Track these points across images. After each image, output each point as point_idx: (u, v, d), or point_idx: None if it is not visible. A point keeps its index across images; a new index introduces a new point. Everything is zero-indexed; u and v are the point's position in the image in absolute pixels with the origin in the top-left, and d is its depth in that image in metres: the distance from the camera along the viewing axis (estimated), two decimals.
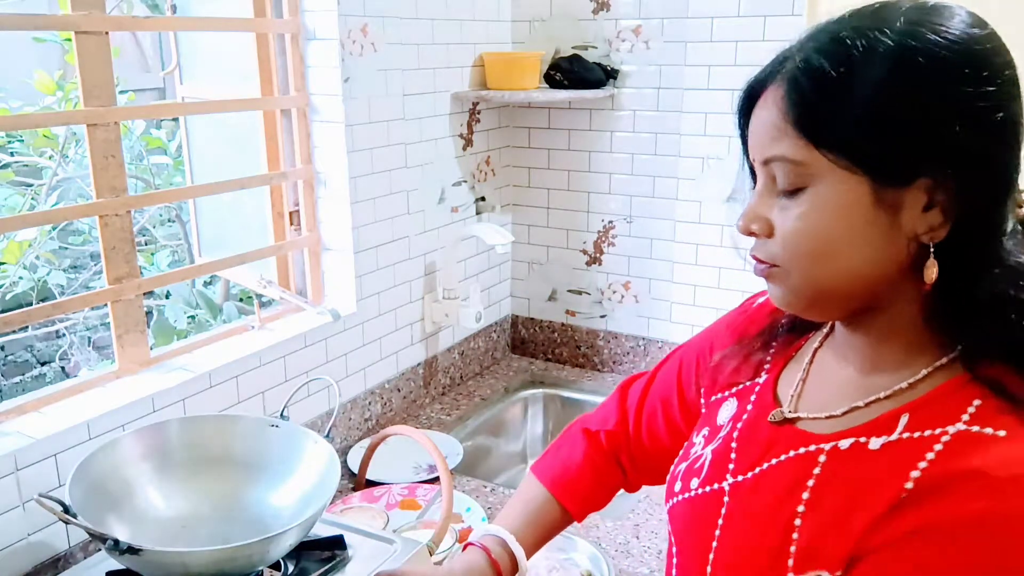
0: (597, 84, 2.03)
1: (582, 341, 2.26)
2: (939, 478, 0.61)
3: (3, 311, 2.24)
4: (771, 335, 0.85)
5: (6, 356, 3.79)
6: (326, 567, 1.13)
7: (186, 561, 0.99)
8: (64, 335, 3.54)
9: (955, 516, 0.59)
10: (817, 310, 0.72)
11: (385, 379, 1.88)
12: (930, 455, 0.62)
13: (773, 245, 0.69)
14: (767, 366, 0.83)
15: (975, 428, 0.62)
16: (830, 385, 0.75)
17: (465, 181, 2.08)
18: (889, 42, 0.63)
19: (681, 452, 0.90)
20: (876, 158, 0.63)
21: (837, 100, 0.64)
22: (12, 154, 3.35)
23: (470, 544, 0.99)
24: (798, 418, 0.75)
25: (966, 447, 0.61)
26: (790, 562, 0.67)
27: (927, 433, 0.64)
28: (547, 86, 2.07)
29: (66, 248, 3.56)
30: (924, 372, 0.67)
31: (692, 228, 2.04)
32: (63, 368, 3.53)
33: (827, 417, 0.72)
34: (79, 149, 3.09)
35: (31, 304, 2.12)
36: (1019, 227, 0.67)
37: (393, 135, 1.80)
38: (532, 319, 2.32)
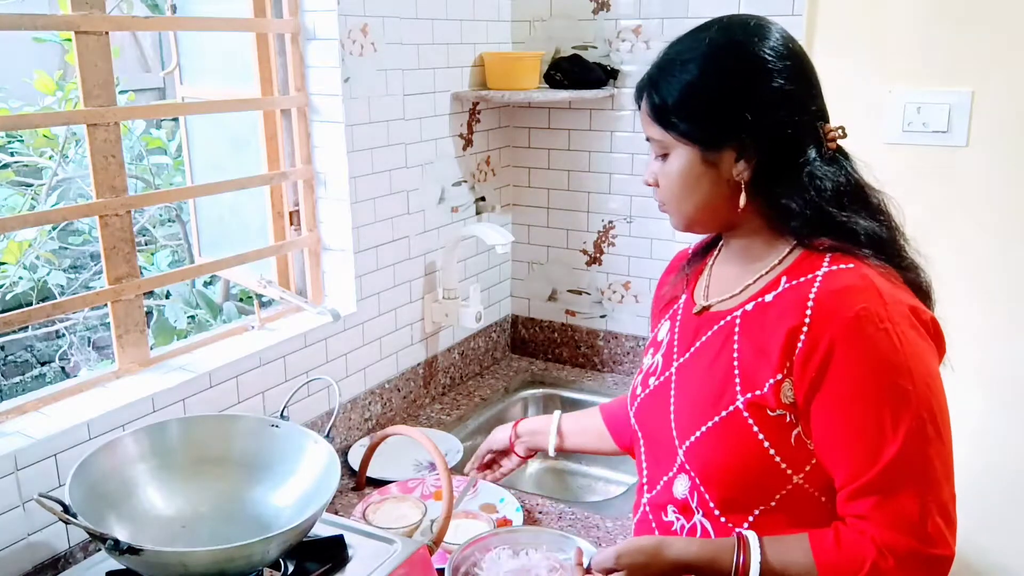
0: (597, 84, 2.03)
1: (582, 341, 2.26)
2: (827, 297, 0.94)
3: (3, 311, 2.24)
4: (684, 268, 1.22)
5: (6, 356, 3.79)
6: (326, 567, 1.13)
7: (186, 561, 1.00)
8: (64, 335, 3.54)
9: (848, 318, 0.91)
10: (694, 229, 1.10)
11: (385, 379, 1.88)
12: (815, 288, 0.96)
13: (660, 192, 1.08)
14: (685, 287, 1.19)
15: (834, 267, 0.97)
16: (726, 281, 1.11)
17: (465, 181, 2.08)
18: (695, 57, 1.01)
19: (636, 374, 1.23)
20: (696, 137, 1.01)
21: (668, 99, 1.02)
22: (12, 154, 3.35)
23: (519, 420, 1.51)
24: (711, 305, 1.11)
25: (835, 277, 0.96)
26: (737, 387, 1.01)
27: (802, 279, 0.98)
28: (547, 86, 2.07)
29: (66, 248, 3.56)
30: (785, 252, 1.04)
31: None
32: (63, 368, 3.53)
33: (730, 297, 1.08)
34: (79, 149, 3.09)
35: (31, 304, 2.12)
36: (831, 152, 1.01)
37: (393, 135, 1.80)
38: (532, 319, 2.32)
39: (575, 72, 2.02)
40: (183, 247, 3.44)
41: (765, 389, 0.97)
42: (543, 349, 2.32)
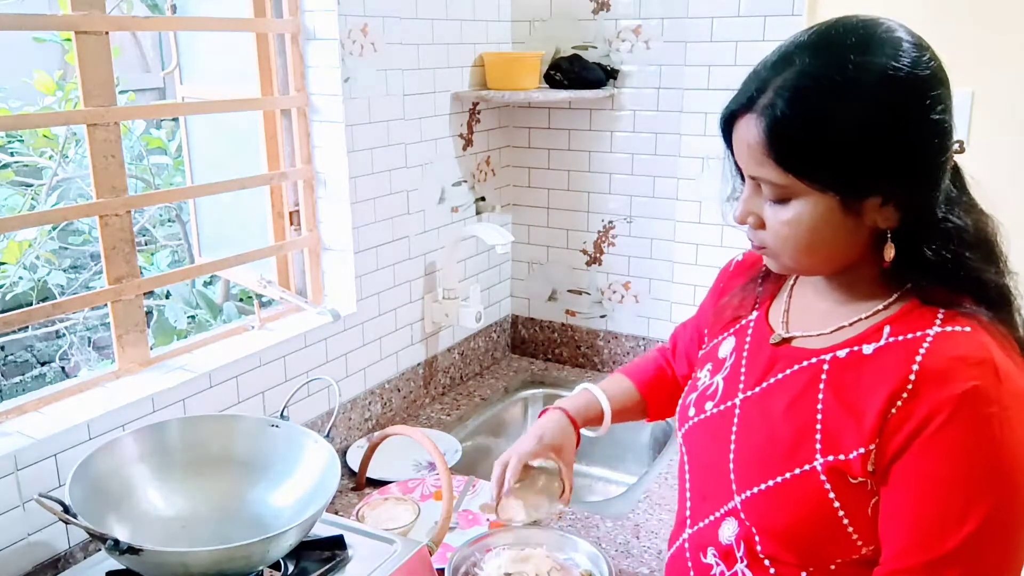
0: (597, 84, 2.03)
1: (582, 341, 2.26)
2: (936, 365, 0.82)
3: (3, 311, 2.24)
4: (757, 281, 1.08)
5: (6, 356, 3.78)
6: (326, 567, 1.13)
7: (186, 561, 1.00)
8: (64, 335, 3.54)
9: (954, 395, 0.80)
10: (804, 274, 0.97)
11: (385, 379, 1.88)
12: (922, 350, 0.84)
13: (765, 235, 0.90)
14: (757, 304, 1.06)
15: (948, 328, 0.85)
16: (813, 313, 0.97)
17: (465, 181, 2.08)
18: (841, 88, 0.80)
19: (687, 387, 1.12)
20: (841, 184, 0.83)
21: (807, 142, 0.82)
22: (12, 154, 3.35)
23: (546, 409, 1.27)
24: (793, 337, 0.98)
25: (948, 341, 0.84)
26: (817, 445, 0.88)
27: (910, 336, 0.86)
28: (547, 86, 2.07)
29: (66, 248, 3.56)
30: (891, 298, 0.90)
31: (692, 228, 2.04)
32: (63, 368, 3.53)
33: (818, 335, 0.95)
34: (79, 149, 3.09)
35: (31, 304, 2.12)
36: (952, 186, 0.88)
37: (393, 135, 1.80)
38: (532, 319, 2.32)
39: (575, 72, 2.02)
40: (183, 247, 3.44)
41: (851, 456, 0.86)
42: (543, 349, 2.32)
